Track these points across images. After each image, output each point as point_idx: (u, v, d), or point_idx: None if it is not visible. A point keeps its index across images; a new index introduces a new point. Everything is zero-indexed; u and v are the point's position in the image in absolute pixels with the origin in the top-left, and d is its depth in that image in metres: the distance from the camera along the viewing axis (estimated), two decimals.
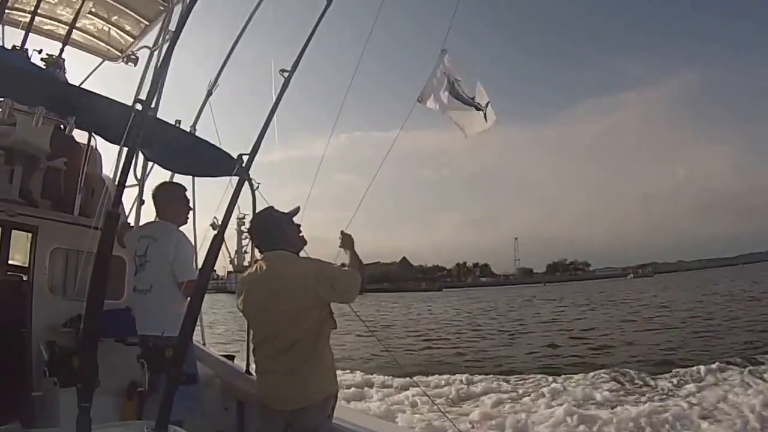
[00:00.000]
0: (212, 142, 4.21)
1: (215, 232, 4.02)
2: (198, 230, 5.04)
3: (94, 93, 3.71)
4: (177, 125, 4.89)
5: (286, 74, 3.04)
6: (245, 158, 2.91)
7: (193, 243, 4.35)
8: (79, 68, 7.18)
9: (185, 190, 4.40)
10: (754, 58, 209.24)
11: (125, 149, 4.62)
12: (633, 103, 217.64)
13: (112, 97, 3.45)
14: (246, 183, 3.52)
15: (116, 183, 4.05)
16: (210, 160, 4.18)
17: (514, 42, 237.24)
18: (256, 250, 3.41)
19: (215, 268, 3.26)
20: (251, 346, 3.48)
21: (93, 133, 5.62)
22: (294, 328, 2.95)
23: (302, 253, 3.35)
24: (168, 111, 5.82)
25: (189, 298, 3.56)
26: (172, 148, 4.13)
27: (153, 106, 5.81)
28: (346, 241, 3.50)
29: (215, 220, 5.09)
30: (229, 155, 3.98)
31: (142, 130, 2.42)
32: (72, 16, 6.63)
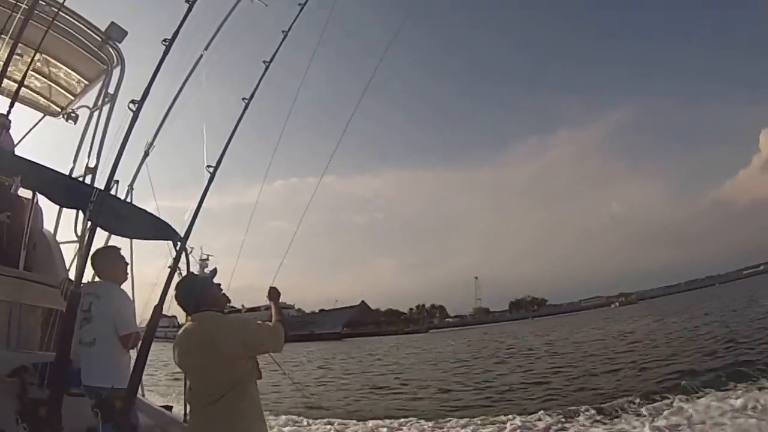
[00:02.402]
0: (152, 212, 4.83)
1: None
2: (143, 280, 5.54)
3: (43, 166, 4.34)
4: (118, 191, 5.40)
5: (211, 170, 3.76)
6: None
7: (132, 299, 4.94)
8: (21, 118, 7.61)
9: (120, 251, 4.91)
10: (688, 89, 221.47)
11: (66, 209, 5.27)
12: (567, 141, 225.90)
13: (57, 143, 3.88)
14: (187, 241, 4.17)
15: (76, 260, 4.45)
16: (151, 228, 4.82)
17: (447, 81, 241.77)
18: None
19: (176, 315, 3.86)
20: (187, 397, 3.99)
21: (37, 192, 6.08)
22: (222, 379, 3.35)
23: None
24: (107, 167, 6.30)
25: (135, 350, 4.25)
26: (116, 216, 4.72)
27: (94, 165, 6.48)
28: (273, 294, 4.02)
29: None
30: (169, 226, 4.66)
31: (93, 203, 3.14)
32: (16, 72, 7.04)
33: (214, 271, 4.04)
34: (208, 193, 4.72)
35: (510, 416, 12.30)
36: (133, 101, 3.22)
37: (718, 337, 21.40)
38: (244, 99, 4.65)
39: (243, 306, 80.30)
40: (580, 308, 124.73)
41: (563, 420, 11.44)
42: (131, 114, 3.25)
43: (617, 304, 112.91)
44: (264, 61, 4.81)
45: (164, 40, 3.62)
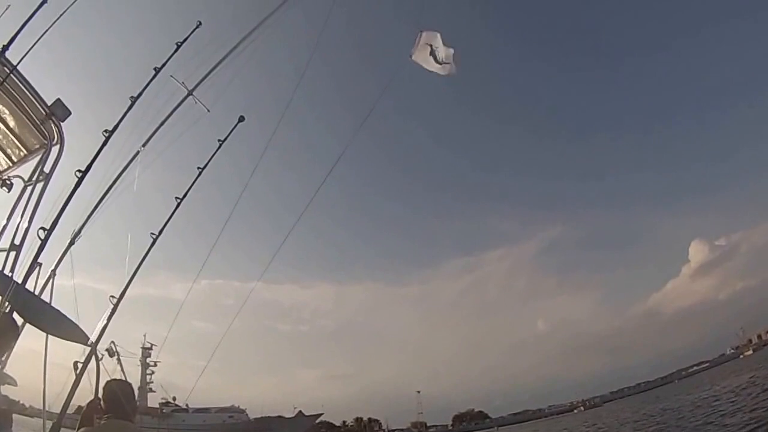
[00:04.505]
0: (70, 317, 4.93)
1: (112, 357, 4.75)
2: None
3: None
4: (41, 273, 5.49)
5: (114, 300, 3.92)
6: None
7: (42, 395, 4.98)
8: None
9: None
10: (619, 201, 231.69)
11: None
12: (500, 258, 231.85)
13: None
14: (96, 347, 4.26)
15: None
16: (63, 328, 4.89)
17: (387, 193, 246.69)
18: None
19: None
20: None
21: None
22: None
23: None
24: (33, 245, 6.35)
25: None
26: (31, 309, 4.80)
27: (19, 243, 6.53)
28: None
29: (112, 345, 5.77)
30: (80, 330, 4.76)
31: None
32: None
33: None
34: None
35: None
36: (42, 228, 3.39)
37: None
38: (152, 234, 4.82)
39: (187, 405, 77.91)
40: (546, 414, 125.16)
41: None
42: (39, 241, 3.40)
43: (582, 408, 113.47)
44: (176, 198, 5.00)
45: (77, 171, 3.82)
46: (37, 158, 7.36)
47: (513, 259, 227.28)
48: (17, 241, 6.71)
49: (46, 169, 7.09)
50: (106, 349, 5.20)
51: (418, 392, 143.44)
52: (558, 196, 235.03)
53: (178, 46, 5.97)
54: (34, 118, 7.03)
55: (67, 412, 5.32)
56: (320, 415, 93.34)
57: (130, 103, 4.71)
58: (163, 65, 5.64)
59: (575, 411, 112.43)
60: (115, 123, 4.41)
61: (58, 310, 5.13)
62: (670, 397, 48.62)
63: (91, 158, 3.44)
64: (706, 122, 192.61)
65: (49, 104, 6.90)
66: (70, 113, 6.80)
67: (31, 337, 5.65)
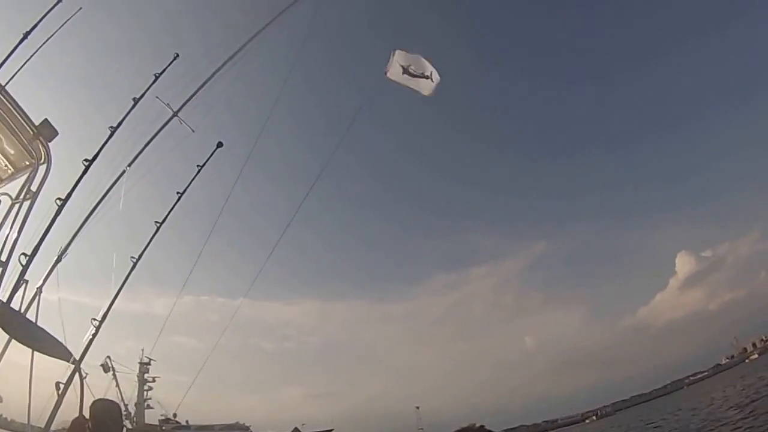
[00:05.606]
0: (54, 334, 5.10)
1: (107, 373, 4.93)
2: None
3: None
4: (27, 288, 5.64)
5: (96, 322, 4.07)
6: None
7: (28, 407, 5.14)
8: None
9: None
10: (603, 221, 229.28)
11: None
12: (485, 275, 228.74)
13: None
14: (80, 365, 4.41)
15: None
16: (47, 345, 5.05)
17: (372, 211, 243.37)
18: None
19: None
20: None
21: None
22: None
23: None
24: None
25: None
26: (17, 326, 4.97)
27: (6, 259, 6.67)
28: None
29: (107, 360, 5.97)
30: (65, 347, 4.91)
31: None
32: None
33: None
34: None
35: None
36: (24, 254, 3.56)
37: None
38: (132, 258, 5.01)
39: (187, 422, 76.57)
40: (557, 425, 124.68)
41: None
42: (21, 267, 3.57)
43: (594, 417, 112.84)
44: (156, 222, 5.19)
45: (58, 199, 3.99)
46: (25, 177, 7.54)
47: (498, 275, 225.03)
48: (3, 258, 6.85)
49: (33, 188, 7.26)
50: (101, 365, 5.36)
51: (417, 408, 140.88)
52: (542, 212, 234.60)
53: (157, 77, 6.18)
54: (22, 137, 7.20)
55: (58, 428, 5.44)
56: (330, 431, 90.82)
57: (109, 132, 4.89)
58: (142, 96, 5.86)
59: (587, 421, 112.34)
60: (95, 152, 4.56)
61: (42, 328, 5.28)
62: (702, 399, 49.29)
63: (72, 186, 3.60)
64: (690, 136, 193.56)
65: (36, 124, 7.06)
66: (57, 133, 6.97)
67: (17, 352, 5.81)
